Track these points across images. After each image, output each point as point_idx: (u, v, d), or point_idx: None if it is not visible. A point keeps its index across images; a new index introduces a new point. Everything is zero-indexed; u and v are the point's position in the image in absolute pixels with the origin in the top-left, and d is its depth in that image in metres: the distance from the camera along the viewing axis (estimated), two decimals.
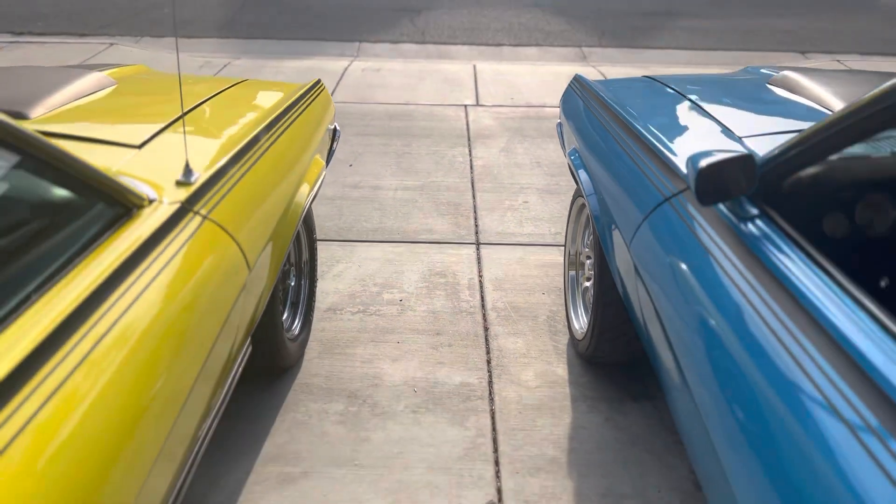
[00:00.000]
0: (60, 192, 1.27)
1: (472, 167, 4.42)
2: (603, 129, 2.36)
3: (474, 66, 6.88)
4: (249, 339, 1.87)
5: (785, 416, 1.07)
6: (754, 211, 1.42)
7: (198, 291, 1.44)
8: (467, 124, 5.21)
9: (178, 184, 1.59)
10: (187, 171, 1.61)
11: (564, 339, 2.73)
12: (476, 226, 3.66)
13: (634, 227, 1.82)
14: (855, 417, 0.97)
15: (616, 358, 2.46)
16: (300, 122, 2.39)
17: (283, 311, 2.42)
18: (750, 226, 1.41)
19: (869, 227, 1.55)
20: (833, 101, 2.04)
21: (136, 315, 1.24)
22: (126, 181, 1.44)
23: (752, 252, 1.36)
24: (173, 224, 1.48)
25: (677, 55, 7.55)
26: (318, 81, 2.87)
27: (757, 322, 1.24)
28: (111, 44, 7.27)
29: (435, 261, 3.31)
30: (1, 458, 0.89)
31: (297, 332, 2.49)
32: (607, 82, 2.83)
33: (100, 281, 1.23)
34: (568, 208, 3.41)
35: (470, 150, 4.69)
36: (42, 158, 1.20)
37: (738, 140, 1.82)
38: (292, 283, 2.51)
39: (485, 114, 5.46)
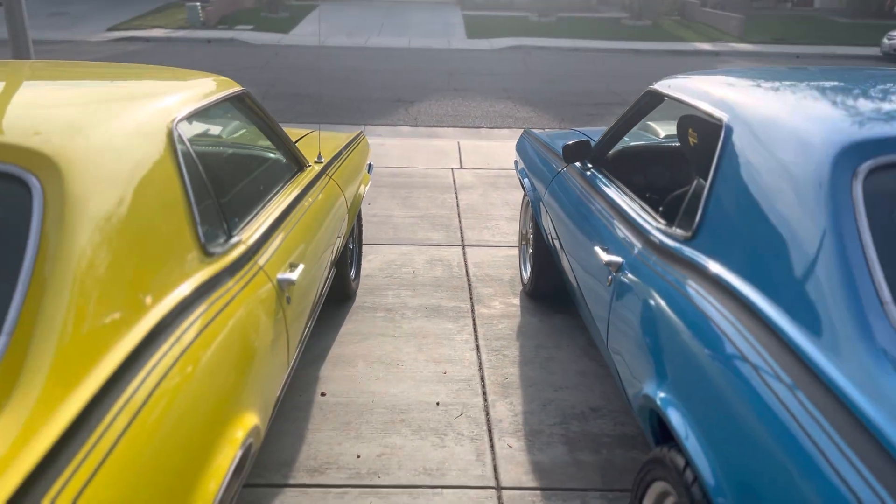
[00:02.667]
0: (282, 154, 2.90)
1: (458, 205, 6.09)
2: (535, 152, 4.05)
3: (458, 143, 8.65)
4: (334, 266, 3.45)
5: (596, 253, 2.64)
6: (591, 166, 3.09)
7: (333, 212, 3.06)
8: (454, 180, 6.91)
9: (316, 162, 3.23)
10: (319, 156, 3.26)
11: (518, 289, 4.33)
12: (462, 236, 5.29)
13: (545, 190, 3.48)
14: (625, 245, 2.49)
15: (547, 290, 4.05)
16: (357, 150, 4.06)
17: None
18: (588, 173, 3.06)
19: (649, 185, 3.21)
20: (658, 130, 3.74)
21: (313, 211, 2.84)
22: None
23: (590, 183, 3.00)
24: (318, 178, 3.10)
25: None
26: (361, 132, 4.56)
27: (589, 207, 2.86)
28: None
29: (434, 254, 4.92)
30: (271, 256, 2.44)
31: (353, 276, 4.08)
32: (544, 131, 4.55)
33: (295, 194, 2.81)
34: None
35: (456, 196, 6.37)
36: (280, 137, 2.84)
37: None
38: (350, 246, 4.11)
39: (467, 174, 7.18)
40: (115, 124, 1.68)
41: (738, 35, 21.80)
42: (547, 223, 3.48)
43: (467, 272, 4.59)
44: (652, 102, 2.78)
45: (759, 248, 1.66)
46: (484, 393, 3.16)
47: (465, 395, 3.14)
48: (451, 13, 25.47)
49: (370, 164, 4.55)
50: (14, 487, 1.01)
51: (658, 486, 1.75)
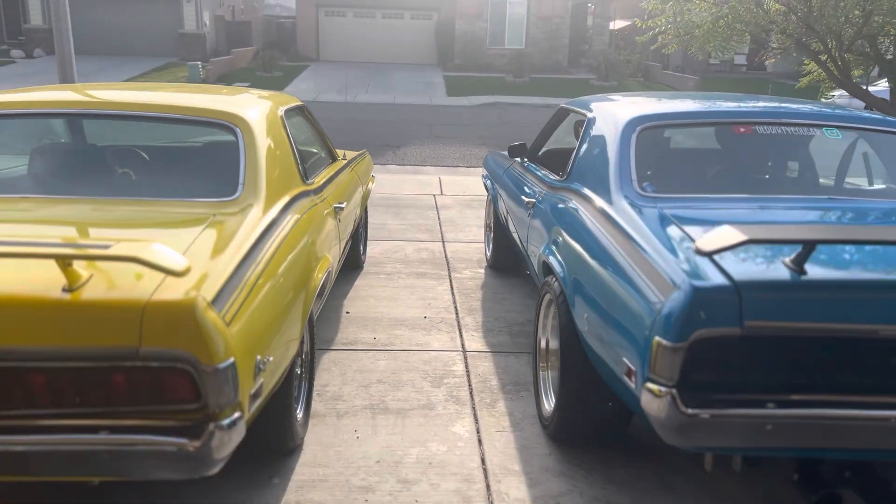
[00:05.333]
0: (324, 146, 4.44)
1: (439, 218, 7.64)
2: (494, 162, 5.63)
3: (439, 177, 10.25)
4: (351, 241, 4.96)
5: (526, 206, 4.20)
6: (527, 159, 4.66)
7: (357, 188, 4.59)
8: (436, 202, 8.48)
9: (343, 158, 4.78)
10: (344, 156, 4.81)
11: (483, 265, 5.85)
12: (442, 236, 6.83)
13: (500, 183, 5.04)
14: (537, 191, 4.04)
15: (506, 263, 5.56)
16: (366, 159, 5.63)
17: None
18: (525, 164, 4.63)
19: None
20: None
21: (347, 181, 4.37)
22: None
23: (527, 169, 4.55)
24: (346, 166, 4.64)
25: None
26: (365, 151, 6.13)
27: (523, 182, 4.40)
28: None
29: (421, 246, 6.44)
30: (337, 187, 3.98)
31: (362, 251, 5.59)
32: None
33: (336, 169, 4.34)
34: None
35: (438, 212, 7.93)
36: (323, 135, 4.40)
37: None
38: (360, 230, 5.63)
39: (447, 198, 8.76)
40: (258, 110, 3.23)
41: None
42: (500, 204, 5.03)
43: (446, 256, 6.12)
44: (563, 115, 4.37)
45: (590, 171, 3.22)
46: (456, 313, 4.66)
47: (443, 314, 4.63)
48: (433, 73, 27.54)
49: (372, 176, 6.12)
50: (259, 233, 2.52)
51: (546, 298, 3.25)
